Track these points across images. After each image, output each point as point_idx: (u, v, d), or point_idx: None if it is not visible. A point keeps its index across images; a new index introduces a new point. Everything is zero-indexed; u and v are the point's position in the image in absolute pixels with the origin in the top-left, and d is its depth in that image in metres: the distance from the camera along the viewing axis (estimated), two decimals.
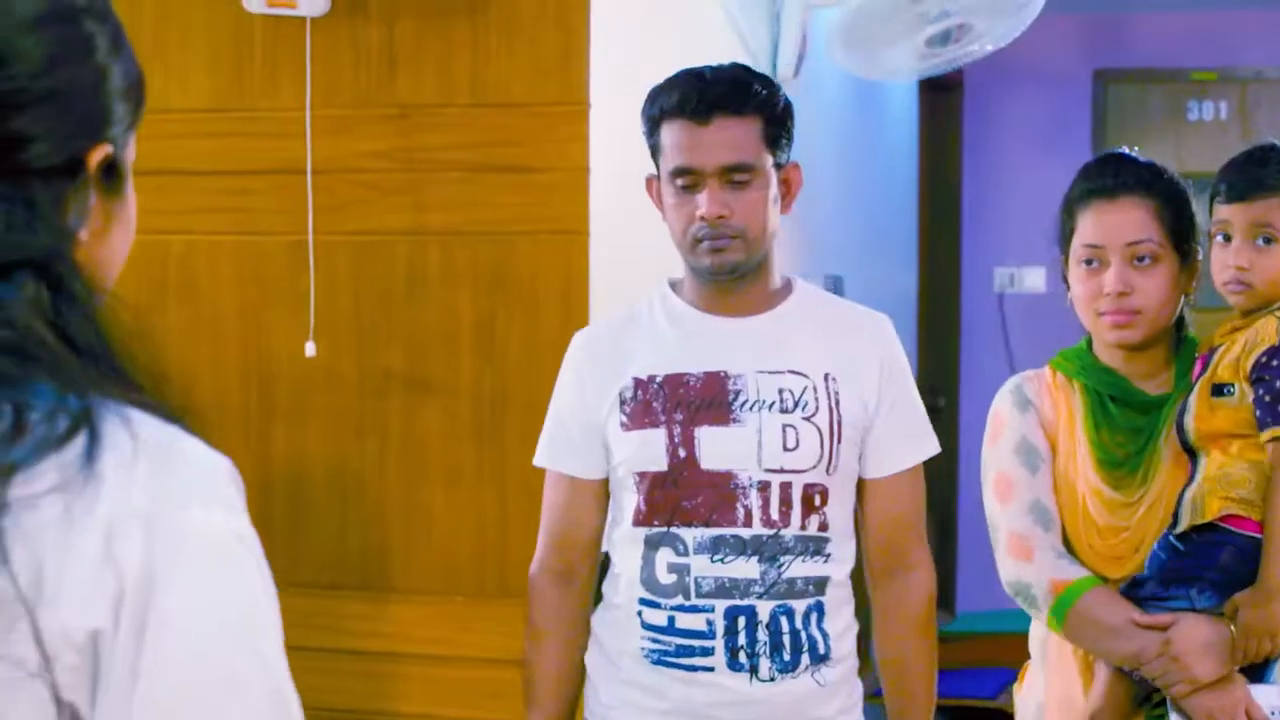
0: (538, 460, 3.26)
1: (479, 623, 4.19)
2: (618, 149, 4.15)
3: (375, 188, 4.25)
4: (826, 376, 3.10)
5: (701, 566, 3.03)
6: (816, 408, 3.07)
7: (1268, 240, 3.01)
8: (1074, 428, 3.15)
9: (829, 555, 3.09)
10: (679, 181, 3.06)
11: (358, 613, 4.28)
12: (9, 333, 1.28)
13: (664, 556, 3.07)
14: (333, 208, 4.26)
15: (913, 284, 8.56)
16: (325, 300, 4.26)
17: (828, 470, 3.08)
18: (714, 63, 3.18)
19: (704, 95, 3.04)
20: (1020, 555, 3.11)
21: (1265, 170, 3.05)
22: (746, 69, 3.15)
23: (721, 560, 3.03)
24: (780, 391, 3.07)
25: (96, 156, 1.37)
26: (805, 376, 3.09)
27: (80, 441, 1.26)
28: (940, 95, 8.64)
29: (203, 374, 4.36)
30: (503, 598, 4.13)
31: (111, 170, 1.39)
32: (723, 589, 3.03)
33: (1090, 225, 3.12)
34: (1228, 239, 3.05)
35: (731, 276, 3.09)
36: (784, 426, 3.05)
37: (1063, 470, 3.15)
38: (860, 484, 3.18)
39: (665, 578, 3.07)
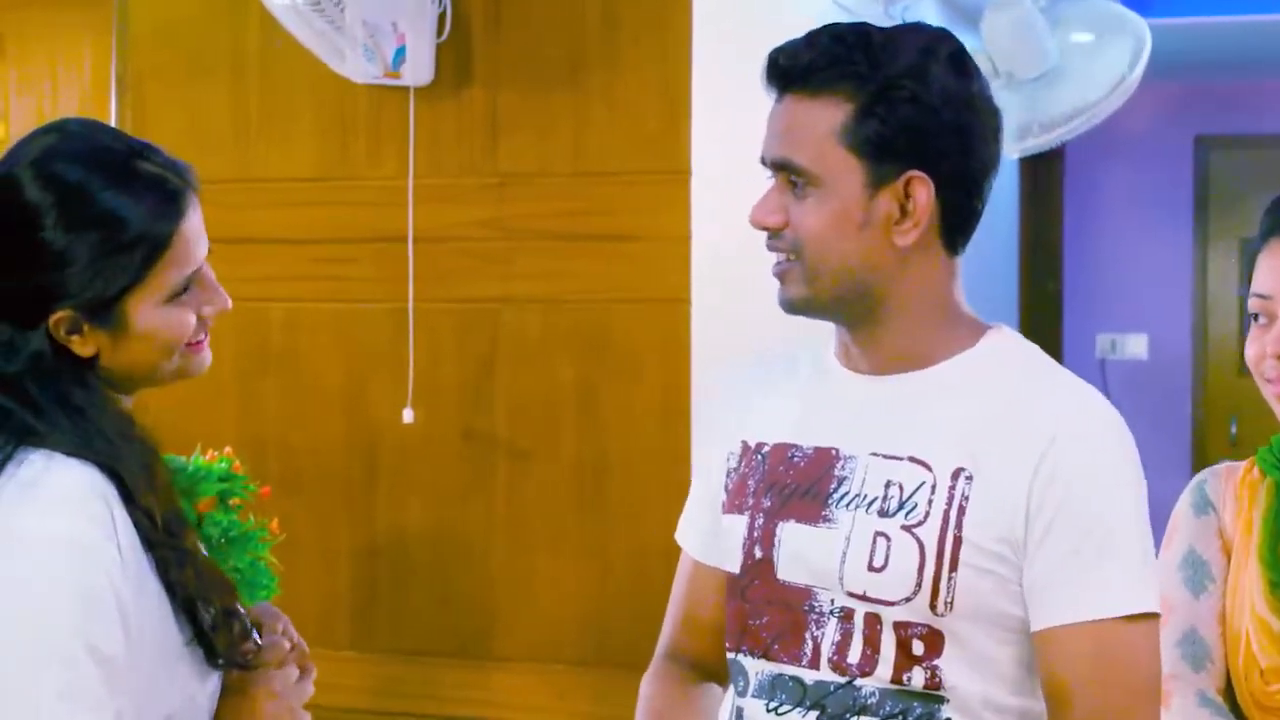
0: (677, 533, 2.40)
1: (578, 690, 4.18)
2: (719, 217, 4.15)
3: (476, 256, 4.27)
4: (958, 473, 2.05)
5: (755, 714, 2.14)
6: (926, 515, 2.05)
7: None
8: (1250, 539, 2.38)
9: None
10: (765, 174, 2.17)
11: (457, 680, 4.27)
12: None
13: (731, 695, 2.20)
14: (434, 275, 4.29)
15: None
16: (427, 367, 4.28)
17: (933, 607, 2.04)
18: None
19: (779, 60, 2.11)
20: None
21: None
22: (879, 32, 2.11)
23: (776, 711, 2.12)
24: (887, 485, 2.08)
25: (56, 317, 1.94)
26: (926, 469, 2.07)
27: None
28: (1041, 164, 8.60)
29: (304, 439, 4.39)
30: (602, 665, 4.12)
31: (102, 317, 1.94)
32: None
33: (1263, 269, 2.35)
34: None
35: (809, 315, 2.17)
36: (875, 535, 2.07)
37: (1231, 592, 2.38)
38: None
39: None
